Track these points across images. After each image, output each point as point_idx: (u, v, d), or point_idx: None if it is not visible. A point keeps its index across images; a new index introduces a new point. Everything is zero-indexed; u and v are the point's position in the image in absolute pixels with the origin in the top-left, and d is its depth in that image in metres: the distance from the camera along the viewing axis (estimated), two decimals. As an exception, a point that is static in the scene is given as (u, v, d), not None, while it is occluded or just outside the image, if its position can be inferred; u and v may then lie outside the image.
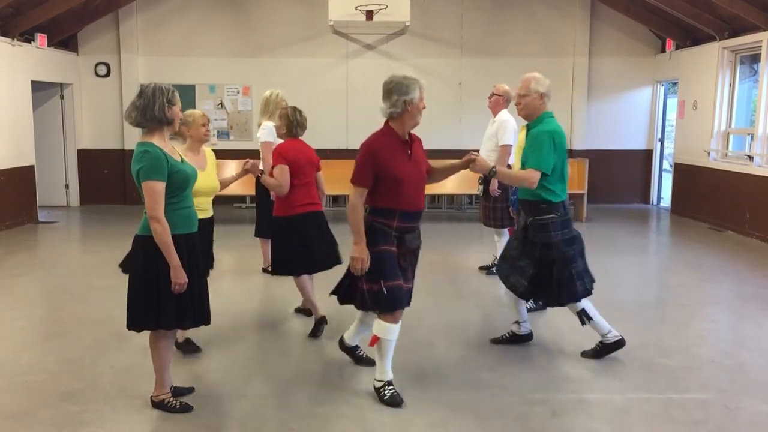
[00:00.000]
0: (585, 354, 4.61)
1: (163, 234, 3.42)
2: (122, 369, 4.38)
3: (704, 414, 3.79)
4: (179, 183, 3.53)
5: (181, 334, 4.57)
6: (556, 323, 5.36)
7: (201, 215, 4.03)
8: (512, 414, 3.77)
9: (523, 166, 4.43)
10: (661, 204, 12.35)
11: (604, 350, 4.55)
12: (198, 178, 3.81)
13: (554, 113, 4.49)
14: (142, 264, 3.53)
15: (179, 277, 3.46)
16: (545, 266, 4.37)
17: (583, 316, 4.49)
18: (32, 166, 10.39)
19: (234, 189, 10.33)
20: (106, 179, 12.09)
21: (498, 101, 6.54)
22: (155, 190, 3.42)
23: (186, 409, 3.78)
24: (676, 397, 4.00)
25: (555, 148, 4.29)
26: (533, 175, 4.26)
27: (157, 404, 3.79)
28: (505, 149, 6.31)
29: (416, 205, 3.89)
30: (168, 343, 3.77)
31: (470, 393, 4.06)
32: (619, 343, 4.54)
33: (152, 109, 3.47)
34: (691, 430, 3.61)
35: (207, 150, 4.65)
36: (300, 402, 3.92)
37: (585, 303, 4.49)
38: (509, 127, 6.35)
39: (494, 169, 4.17)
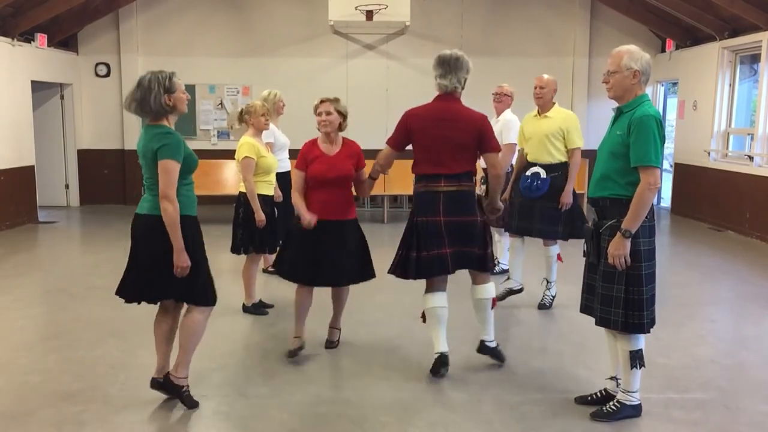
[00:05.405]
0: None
1: (174, 214, 3.42)
2: (122, 369, 4.38)
3: (704, 414, 3.79)
4: (190, 167, 3.59)
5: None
6: (556, 323, 5.37)
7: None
8: (512, 414, 3.78)
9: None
10: (661, 204, 12.34)
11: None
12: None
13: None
14: (143, 242, 3.57)
15: (182, 260, 3.47)
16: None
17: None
18: (32, 166, 10.39)
19: (234, 189, 10.42)
20: (106, 179, 12.10)
21: (507, 102, 6.81)
22: (173, 170, 3.43)
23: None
24: (676, 397, 4.00)
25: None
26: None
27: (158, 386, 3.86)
28: (510, 147, 6.37)
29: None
30: (166, 327, 3.82)
31: (470, 393, 4.06)
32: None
33: (149, 102, 3.47)
34: (691, 430, 3.61)
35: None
36: (300, 402, 3.92)
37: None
38: (513, 127, 6.44)
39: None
